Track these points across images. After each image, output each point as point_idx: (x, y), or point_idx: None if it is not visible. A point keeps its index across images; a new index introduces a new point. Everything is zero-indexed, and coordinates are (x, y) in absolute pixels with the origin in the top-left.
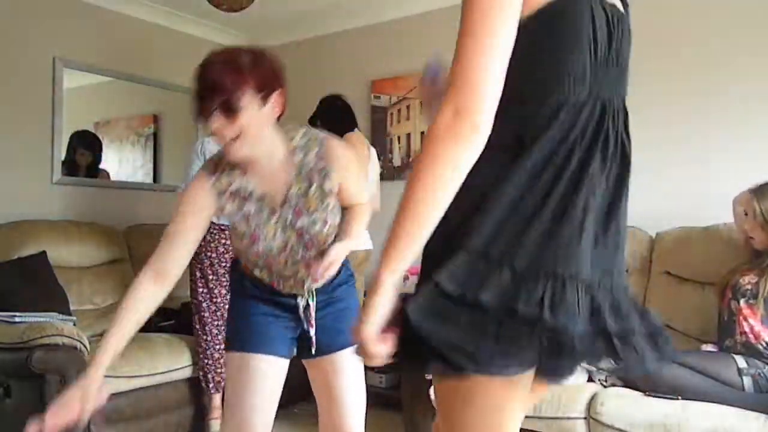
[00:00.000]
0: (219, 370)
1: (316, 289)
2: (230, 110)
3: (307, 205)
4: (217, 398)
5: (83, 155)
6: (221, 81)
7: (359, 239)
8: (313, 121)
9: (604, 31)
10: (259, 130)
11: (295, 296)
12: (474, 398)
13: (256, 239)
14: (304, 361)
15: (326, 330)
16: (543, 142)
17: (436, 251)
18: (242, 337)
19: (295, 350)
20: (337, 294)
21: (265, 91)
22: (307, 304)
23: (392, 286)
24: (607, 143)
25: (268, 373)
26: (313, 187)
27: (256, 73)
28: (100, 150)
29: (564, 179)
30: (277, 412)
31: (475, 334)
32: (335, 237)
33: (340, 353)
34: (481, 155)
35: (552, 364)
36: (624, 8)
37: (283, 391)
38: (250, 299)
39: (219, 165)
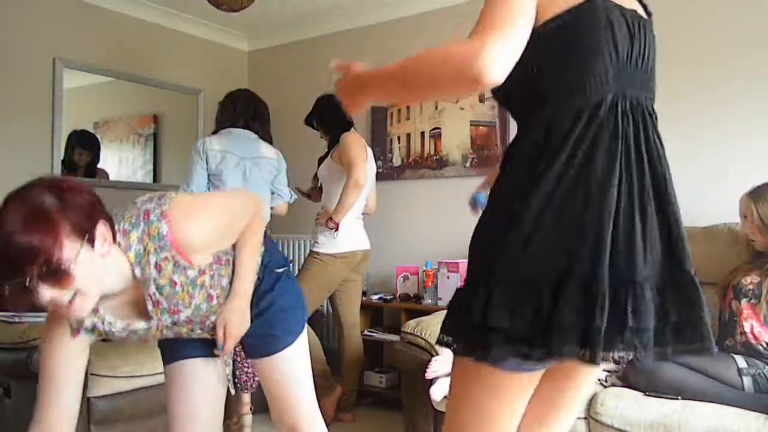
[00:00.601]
0: None
1: None
2: (56, 275)
3: (181, 301)
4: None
5: (81, 155)
6: (30, 244)
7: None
8: (309, 121)
9: (626, 35)
10: (98, 275)
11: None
12: (497, 388)
13: (147, 341)
14: None
15: (260, 337)
16: (569, 143)
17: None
18: (165, 349)
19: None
20: (263, 303)
21: (88, 230)
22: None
23: (370, 86)
24: (642, 143)
25: (198, 372)
26: (178, 286)
27: (70, 213)
28: (99, 149)
29: (591, 181)
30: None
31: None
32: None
33: (277, 355)
34: (511, 160)
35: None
36: (647, 16)
37: None
38: None
39: None
